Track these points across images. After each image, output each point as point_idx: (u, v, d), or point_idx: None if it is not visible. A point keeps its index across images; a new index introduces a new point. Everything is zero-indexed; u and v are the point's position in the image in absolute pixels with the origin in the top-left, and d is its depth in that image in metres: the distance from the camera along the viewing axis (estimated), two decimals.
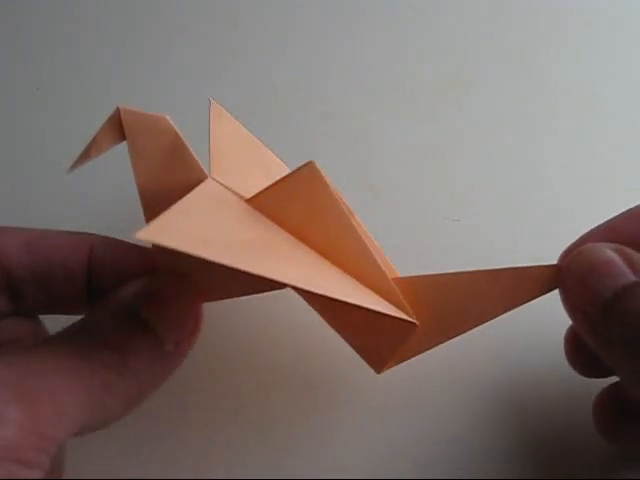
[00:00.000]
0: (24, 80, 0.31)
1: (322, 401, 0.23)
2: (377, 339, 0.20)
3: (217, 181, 0.19)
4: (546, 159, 0.28)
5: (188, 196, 0.16)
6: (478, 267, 0.19)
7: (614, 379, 0.21)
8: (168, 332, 0.18)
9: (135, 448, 0.23)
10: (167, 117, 0.19)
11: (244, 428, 0.23)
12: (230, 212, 0.18)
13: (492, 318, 0.19)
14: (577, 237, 0.20)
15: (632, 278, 0.17)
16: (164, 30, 0.32)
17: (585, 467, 0.22)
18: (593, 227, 0.20)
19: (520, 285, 0.19)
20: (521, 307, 0.19)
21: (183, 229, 0.15)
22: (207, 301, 0.19)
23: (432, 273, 0.20)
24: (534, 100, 0.29)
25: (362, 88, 0.30)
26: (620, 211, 0.20)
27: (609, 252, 0.18)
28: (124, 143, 0.19)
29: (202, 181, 0.18)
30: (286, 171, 0.22)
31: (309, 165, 0.17)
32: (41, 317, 0.21)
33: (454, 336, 0.20)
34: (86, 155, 0.18)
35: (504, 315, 0.19)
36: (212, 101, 0.21)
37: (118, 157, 0.19)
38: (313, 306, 0.20)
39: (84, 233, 0.20)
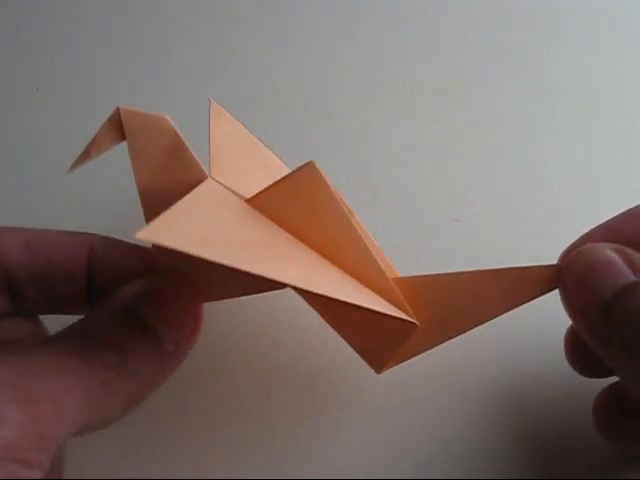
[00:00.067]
0: (24, 80, 0.31)
1: (322, 401, 0.23)
2: (377, 339, 0.20)
3: (217, 181, 0.19)
4: (546, 159, 0.28)
5: (188, 196, 0.16)
6: (478, 267, 0.19)
7: (614, 379, 0.21)
8: (168, 332, 0.18)
9: (135, 448, 0.23)
10: (167, 117, 0.19)
11: (244, 428, 0.23)
12: (230, 212, 0.18)
13: (492, 318, 0.19)
14: (577, 237, 0.20)
15: (632, 278, 0.17)
16: (164, 30, 0.32)
17: (585, 467, 0.22)
18: (593, 227, 0.20)
19: (520, 285, 0.19)
20: (521, 307, 0.19)
21: (183, 229, 0.15)
22: (207, 301, 0.19)
23: (432, 273, 0.20)
24: (534, 100, 0.29)
25: (362, 88, 0.30)
26: (620, 211, 0.20)
27: (609, 252, 0.18)
28: (124, 143, 0.19)
29: (202, 181, 0.18)
30: (286, 171, 0.22)
31: (309, 165, 0.17)
32: (41, 317, 0.21)
33: (454, 336, 0.20)
34: (86, 155, 0.18)
35: (504, 315, 0.19)
36: (212, 101, 0.21)
37: (118, 157, 0.19)
38: (313, 306, 0.20)
39: (84, 233, 0.20)
